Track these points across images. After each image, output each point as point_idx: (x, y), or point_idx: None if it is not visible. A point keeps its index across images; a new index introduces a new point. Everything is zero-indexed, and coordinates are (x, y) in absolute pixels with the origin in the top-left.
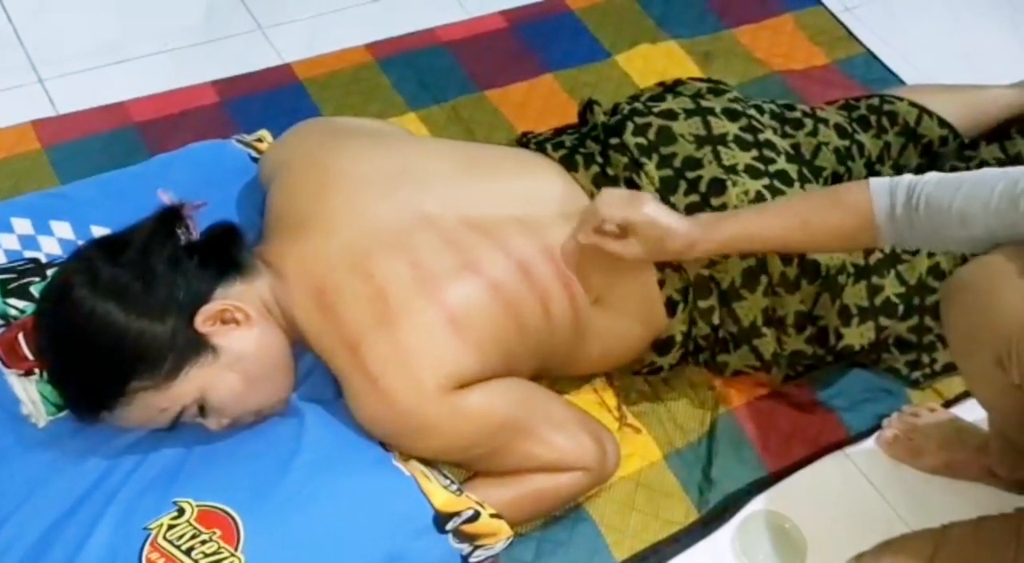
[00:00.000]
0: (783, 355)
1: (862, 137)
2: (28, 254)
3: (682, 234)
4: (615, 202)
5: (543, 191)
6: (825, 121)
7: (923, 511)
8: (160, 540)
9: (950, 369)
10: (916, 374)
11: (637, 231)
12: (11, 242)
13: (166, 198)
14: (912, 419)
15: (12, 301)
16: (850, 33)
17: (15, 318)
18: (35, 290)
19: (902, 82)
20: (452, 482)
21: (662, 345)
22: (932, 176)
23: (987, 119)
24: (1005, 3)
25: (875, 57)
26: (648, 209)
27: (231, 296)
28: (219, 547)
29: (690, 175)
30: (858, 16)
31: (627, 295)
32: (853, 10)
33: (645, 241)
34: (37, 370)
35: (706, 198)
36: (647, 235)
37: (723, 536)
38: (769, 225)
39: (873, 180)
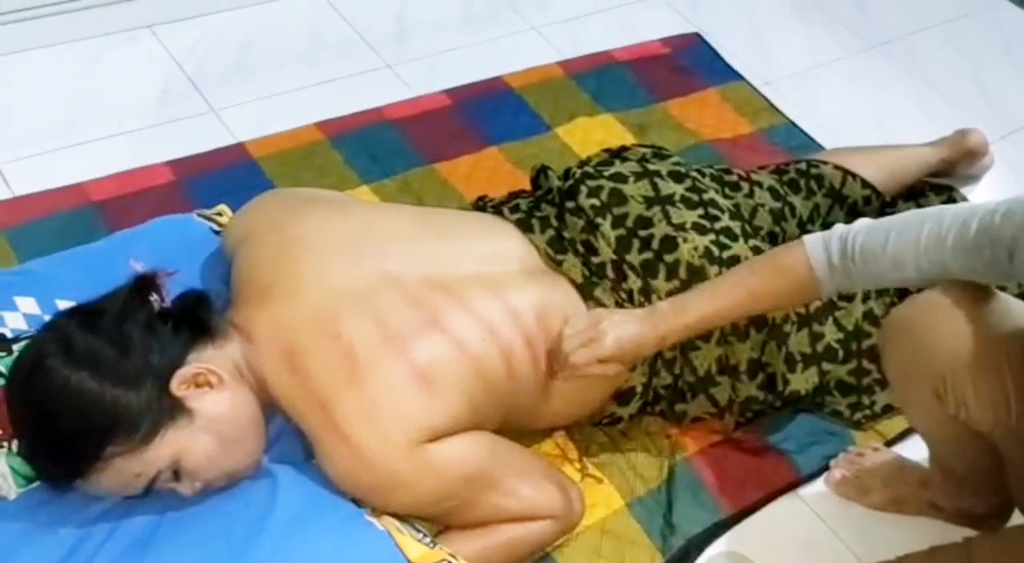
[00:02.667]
0: (736, 401)
1: (793, 199)
2: None
3: (651, 338)
4: (580, 348)
5: (503, 251)
6: (760, 184)
7: (874, 546)
8: None
9: (889, 410)
10: (858, 415)
11: (612, 358)
12: None
13: (139, 267)
14: (857, 459)
15: None
16: (771, 105)
17: None
18: (2, 365)
19: (821, 147)
20: (425, 535)
21: (623, 396)
22: (862, 224)
23: (905, 177)
24: (908, 77)
25: (796, 125)
26: (610, 339)
27: (203, 360)
28: None
29: (642, 233)
30: (777, 89)
31: None
32: (772, 84)
33: (622, 361)
34: (5, 443)
35: (659, 255)
36: (622, 357)
37: None
38: (722, 305)
39: (807, 237)
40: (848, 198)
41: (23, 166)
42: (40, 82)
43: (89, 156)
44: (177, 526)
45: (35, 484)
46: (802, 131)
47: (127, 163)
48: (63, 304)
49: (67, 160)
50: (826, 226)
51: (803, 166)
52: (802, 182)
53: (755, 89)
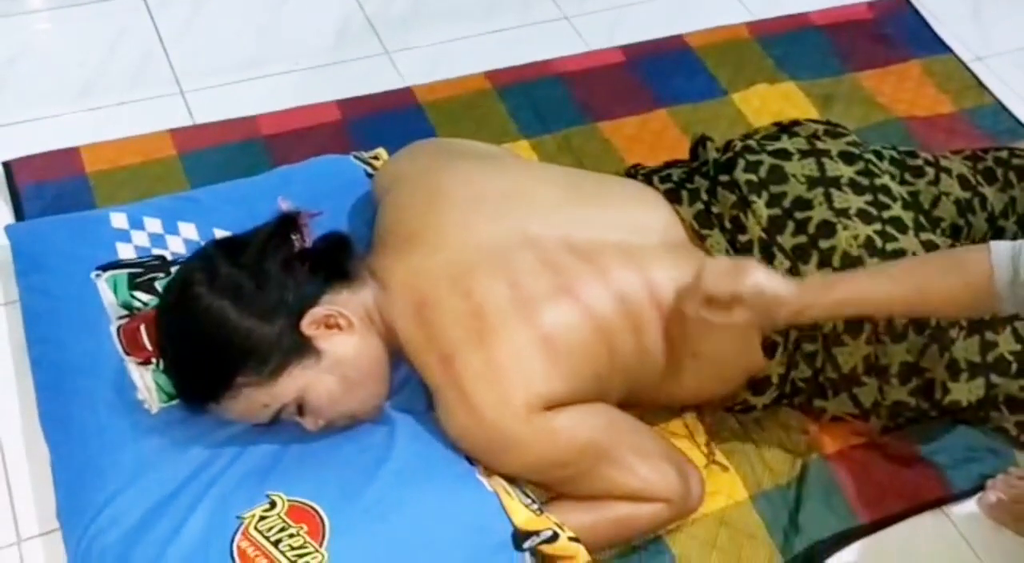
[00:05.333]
0: (883, 405)
1: (986, 190)
2: (156, 251)
3: (792, 301)
4: (719, 275)
5: (646, 221)
6: (948, 171)
7: None
8: (251, 530)
9: None
10: None
11: (745, 302)
12: (142, 239)
13: (285, 205)
14: (1018, 482)
15: (138, 294)
16: (980, 82)
17: (139, 310)
18: (159, 285)
19: None
20: (533, 501)
21: (757, 385)
22: None
23: None
24: None
25: (1005, 108)
26: (753, 279)
27: (337, 303)
28: (305, 541)
29: (799, 215)
30: (989, 66)
31: (724, 336)
32: (984, 60)
33: (752, 311)
34: (154, 360)
35: (814, 240)
36: (755, 305)
37: None
38: (883, 291)
39: (994, 244)
40: None
41: (206, 95)
42: (229, 14)
43: (265, 90)
44: (298, 460)
45: (176, 401)
46: (1012, 115)
47: (299, 99)
48: (221, 233)
49: (245, 92)
50: (1021, 223)
51: (1003, 154)
52: (999, 171)
53: (964, 64)
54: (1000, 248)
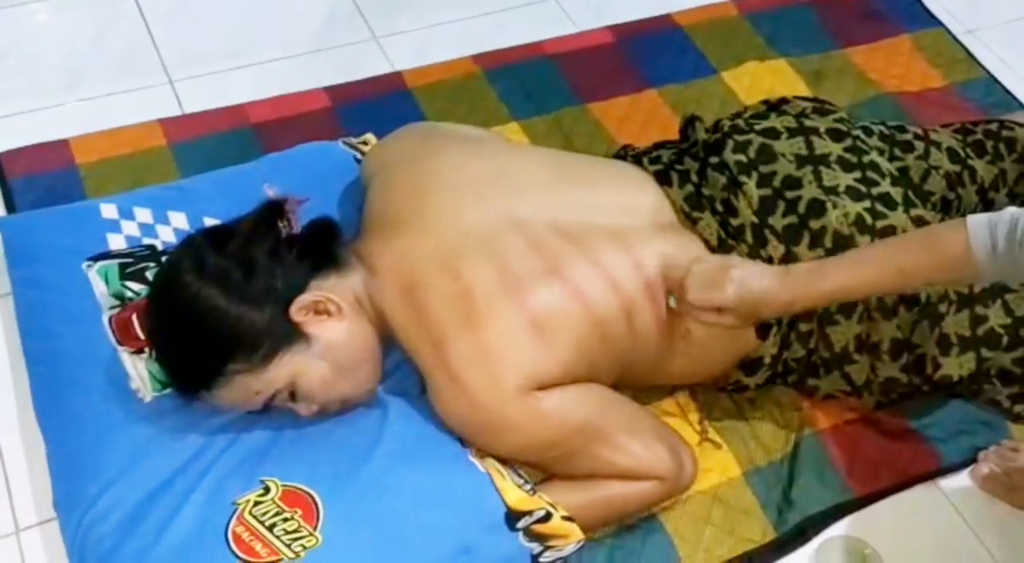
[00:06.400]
0: (876, 382)
1: (976, 163)
2: (146, 241)
3: (778, 299)
4: (702, 287)
5: (636, 203)
6: (937, 144)
7: (1016, 549)
8: (246, 515)
9: None
10: (1019, 408)
11: (730, 309)
12: (132, 229)
13: (271, 192)
14: (1010, 453)
15: (129, 284)
16: (971, 55)
17: (131, 299)
18: (150, 275)
19: None
20: (526, 482)
21: (750, 365)
22: None
23: None
24: None
25: (996, 81)
26: (732, 290)
27: (325, 288)
28: (299, 525)
29: (789, 195)
30: (981, 39)
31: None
32: (975, 32)
33: (740, 315)
34: (147, 349)
35: (804, 220)
36: (741, 311)
37: (799, 558)
38: (866, 278)
39: (971, 218)
40: None
41: (195, 84)
42: (216, 2)
43: (254, 77)
44: (291, 445)
45: (168, 390)
46: (1003, 87)
47: (288, 86)
48: (210, 222)
49: (234, 80)
50: (1012, 195)
51: (993, 126)
52: (989, 144)
53: (954, 37)
54: (976, 221)
